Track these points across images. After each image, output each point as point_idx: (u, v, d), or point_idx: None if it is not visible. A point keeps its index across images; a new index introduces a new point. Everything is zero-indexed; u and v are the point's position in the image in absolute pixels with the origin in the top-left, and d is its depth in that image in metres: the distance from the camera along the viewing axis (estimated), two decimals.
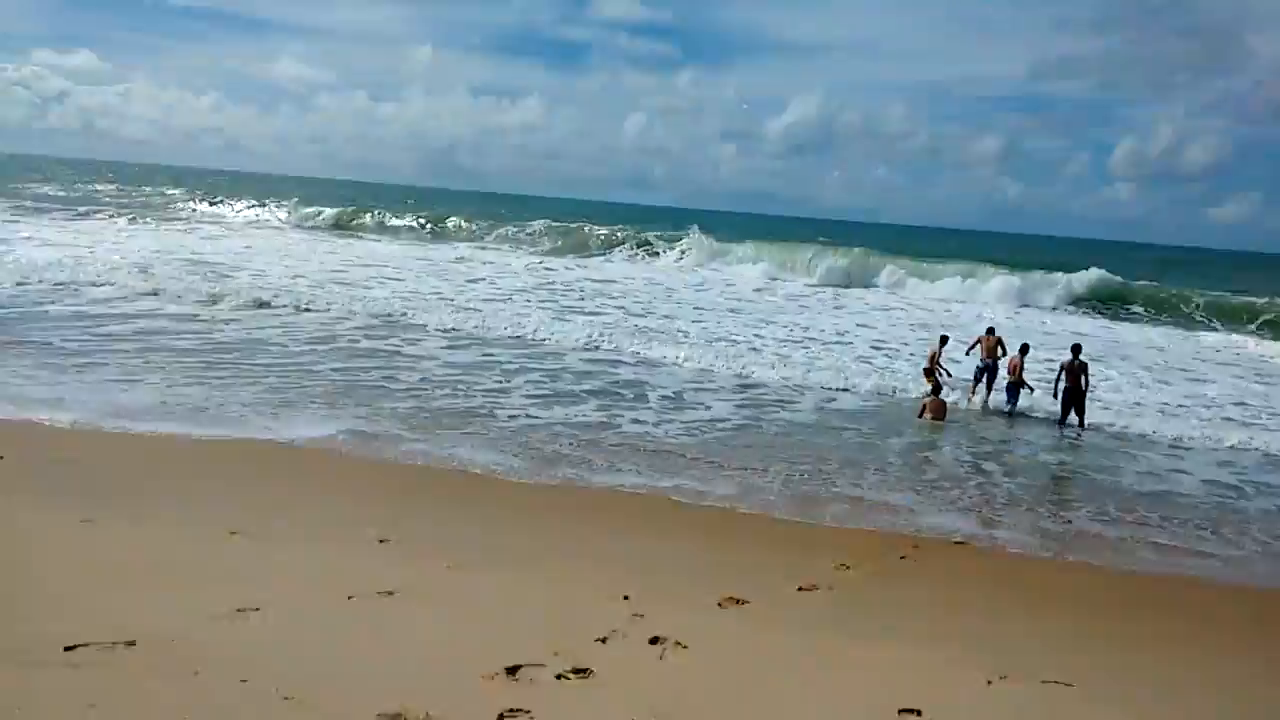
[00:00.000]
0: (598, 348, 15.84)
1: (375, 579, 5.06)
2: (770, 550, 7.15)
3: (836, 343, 19.36)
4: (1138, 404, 15.40)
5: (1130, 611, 6.73)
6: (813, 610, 5.73)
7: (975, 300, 30.55)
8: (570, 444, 9.67)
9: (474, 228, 46.08)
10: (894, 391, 14.66)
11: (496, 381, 12.48)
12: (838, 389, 14.48)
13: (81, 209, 41.31)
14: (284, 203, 50.81)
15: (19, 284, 17.03)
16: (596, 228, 44.04)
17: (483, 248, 38.61)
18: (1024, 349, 14.71)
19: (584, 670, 4.15)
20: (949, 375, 14.17)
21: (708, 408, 12.17)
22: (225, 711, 3.32)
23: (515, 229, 44.26)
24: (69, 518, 5.59)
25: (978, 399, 14.41)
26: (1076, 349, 14.17)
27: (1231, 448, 12.68)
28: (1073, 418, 13.52)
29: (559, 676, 4.04)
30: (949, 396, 13.70)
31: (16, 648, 3.51)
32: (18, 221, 31.91)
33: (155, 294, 17.16)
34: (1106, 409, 14.37)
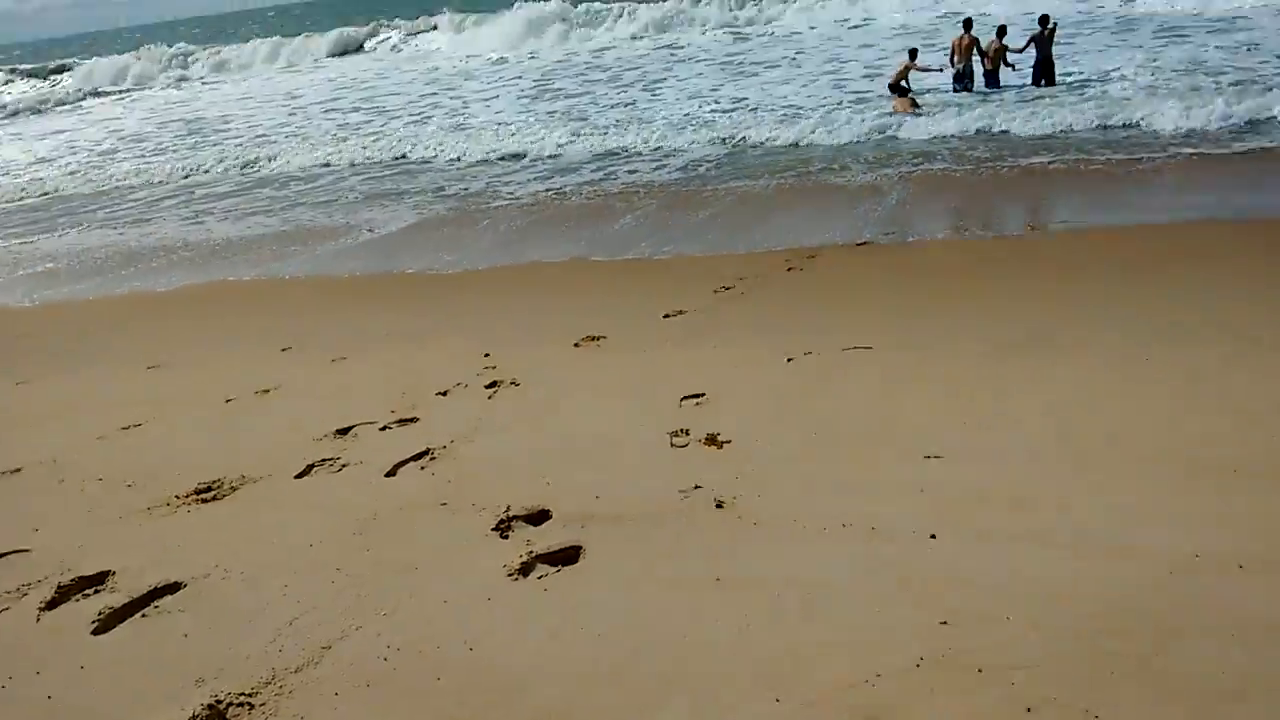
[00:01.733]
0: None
1: (258, 381, 5.73)
2: (659, 285, 7.61)
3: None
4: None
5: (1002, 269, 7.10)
6: (670, 334, 6.22)
7: None
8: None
9: None
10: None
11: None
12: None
13: None
14: None
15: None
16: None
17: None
18: (1001, 31, 14.37)
19: (410, 419, 4.78)
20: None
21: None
22: (85, 499, 4.04)
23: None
24: (5, 384, 6.39)
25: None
26: (1044, 19, 13.91)
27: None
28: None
29: (383, 428, 4.69)
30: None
31: None
32: None
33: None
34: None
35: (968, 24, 14.51)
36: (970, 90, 14.26)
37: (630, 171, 12.59)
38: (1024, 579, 2.72)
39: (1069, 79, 14.16)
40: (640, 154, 13.59)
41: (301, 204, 13.24)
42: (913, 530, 3.07)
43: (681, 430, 4.26)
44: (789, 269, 7.71)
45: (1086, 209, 8.69)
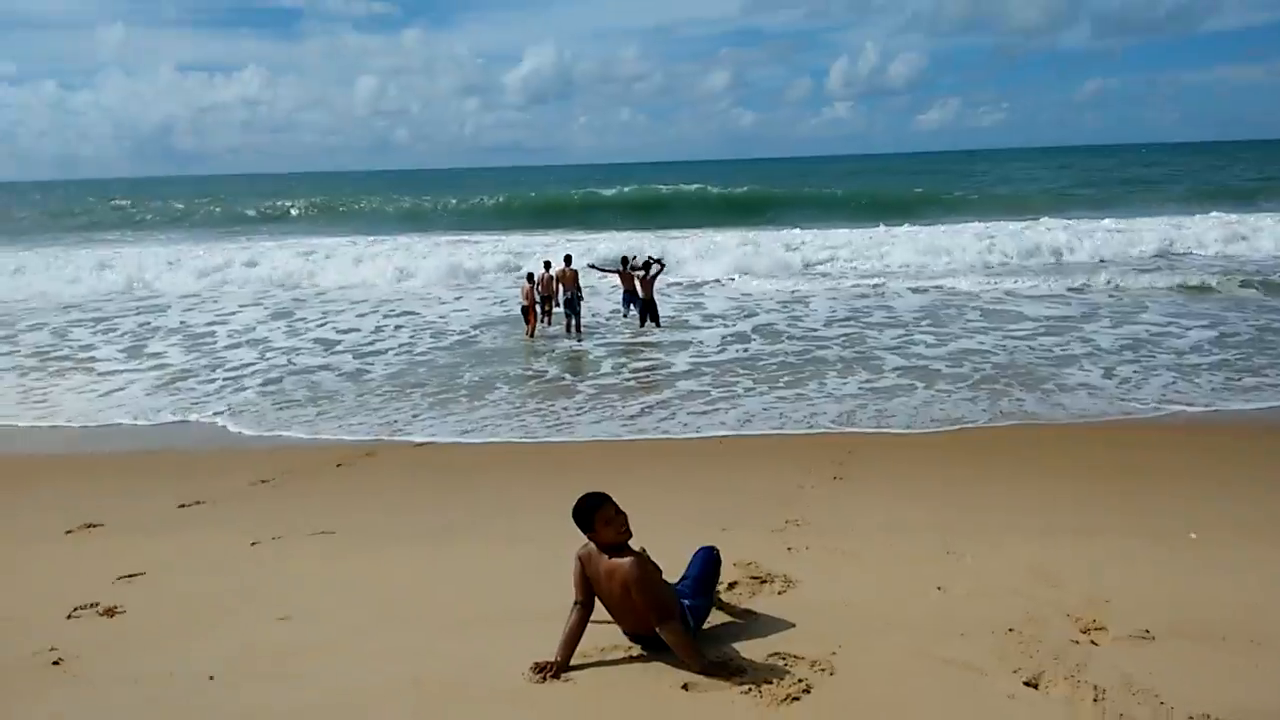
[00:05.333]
0: None
1: None
2: (193, 477, 7.95)
3: None
4: None
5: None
6: (174, 521, 6.61)
7: None
8: None
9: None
10: None
11: None
12: None
13: None
14: None
15: None
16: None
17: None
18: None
19: None
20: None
21: None
22: None
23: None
24: None
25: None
26: (648, 263, 15.91)
27: None
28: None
29: None
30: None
31: None
32: None
33: None
34: None
35: (567, 260, 16.33)
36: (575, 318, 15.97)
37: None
38: (242, 706, 3.45)
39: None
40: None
41: None
42: (199, 673, 3.74)
43: (91, 604, 4.71)
44: (339, 465, 8.39)
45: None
